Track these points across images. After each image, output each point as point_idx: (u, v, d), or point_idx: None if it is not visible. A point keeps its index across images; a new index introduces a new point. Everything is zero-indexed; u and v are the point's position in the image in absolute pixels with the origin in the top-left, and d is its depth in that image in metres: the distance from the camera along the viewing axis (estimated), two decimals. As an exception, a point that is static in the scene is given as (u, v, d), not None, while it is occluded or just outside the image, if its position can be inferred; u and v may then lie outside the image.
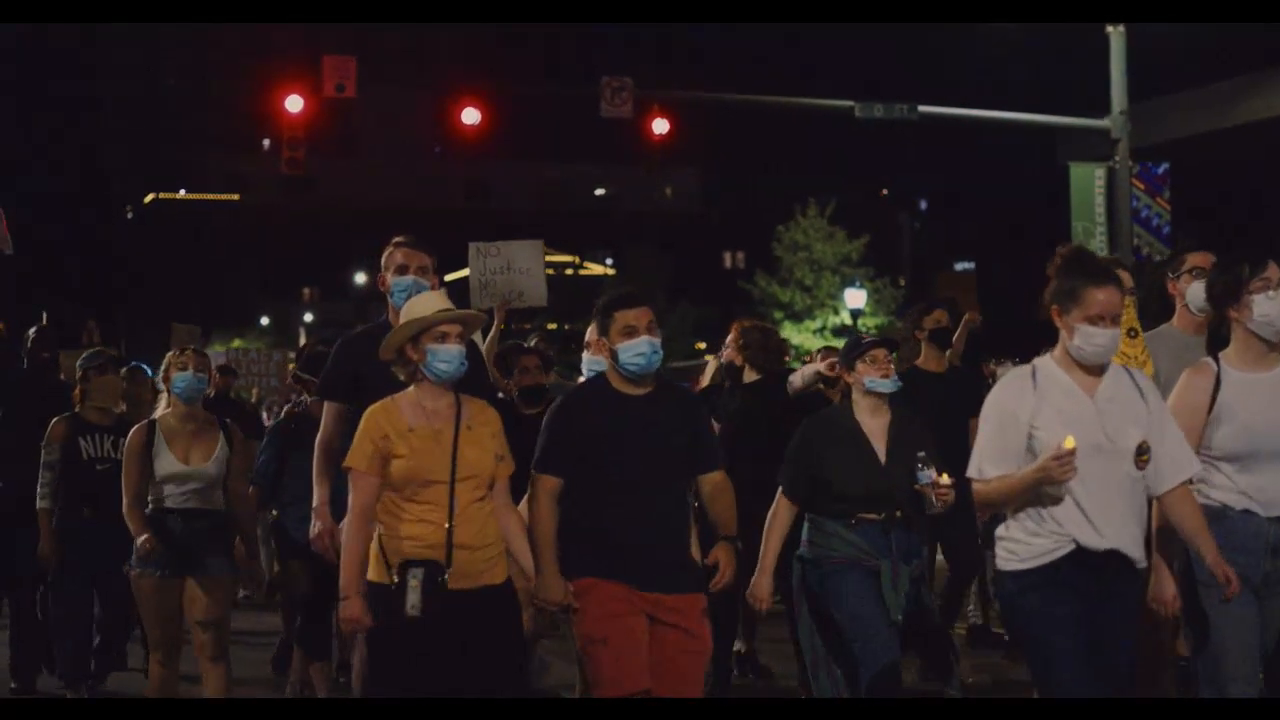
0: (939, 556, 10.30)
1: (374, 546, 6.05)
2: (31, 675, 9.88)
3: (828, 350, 10.63)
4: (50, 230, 49.96)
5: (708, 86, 46.84)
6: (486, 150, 25.88)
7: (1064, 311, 5.71)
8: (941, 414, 8.60)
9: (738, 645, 10.03)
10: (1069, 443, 5.42)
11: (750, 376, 9.46)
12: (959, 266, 72.01)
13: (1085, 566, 5.60)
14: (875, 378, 7.38)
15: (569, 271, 66.38)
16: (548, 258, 11.25)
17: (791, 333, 45.38)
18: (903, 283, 51.29)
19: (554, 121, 56.53)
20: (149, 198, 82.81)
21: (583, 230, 68.34)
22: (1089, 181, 24.81)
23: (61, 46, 72.91)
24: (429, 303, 6.26)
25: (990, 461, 5.71)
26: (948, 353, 10.24)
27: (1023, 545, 5.69)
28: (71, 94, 77.11)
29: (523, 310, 10.10)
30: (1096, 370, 5.71)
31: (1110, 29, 23.73)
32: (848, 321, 44.62)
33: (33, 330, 10.65)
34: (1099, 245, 24.76)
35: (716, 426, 8.14)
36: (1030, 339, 11.46)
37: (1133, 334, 6.83)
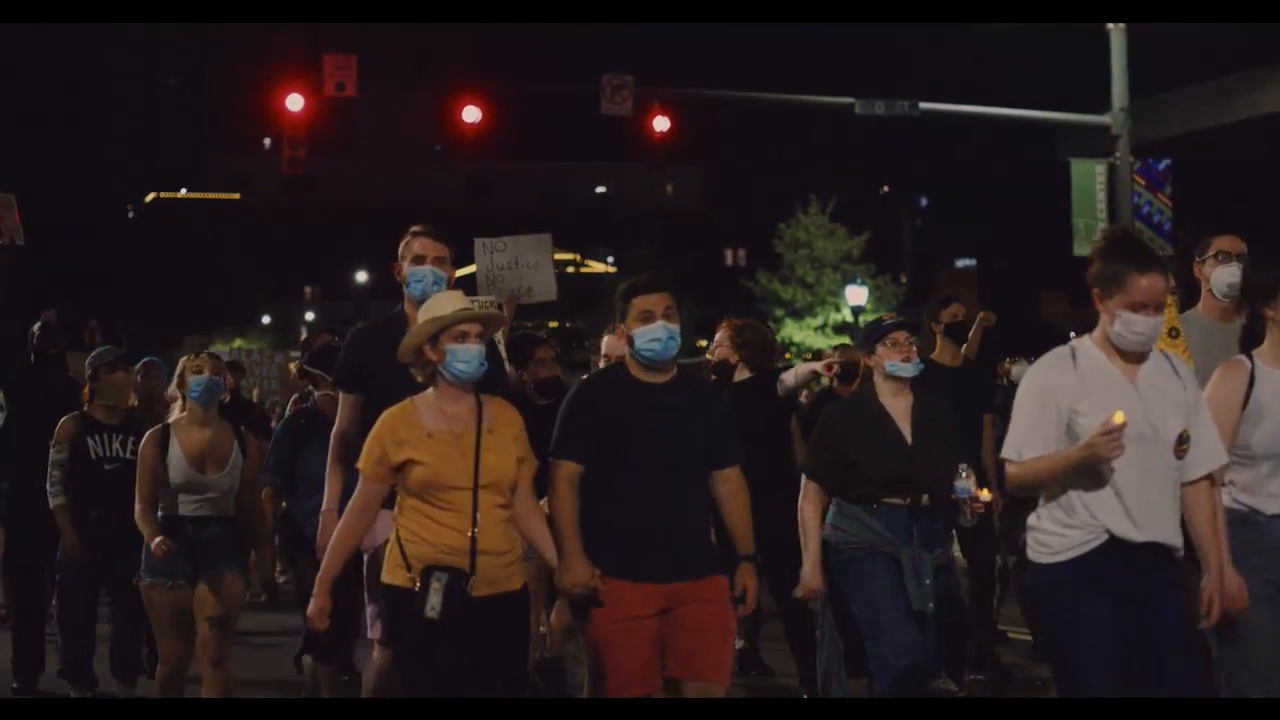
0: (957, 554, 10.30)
1: (393, 549, 5.92)
2: (33, 675, 9.87)
3: (844, 349, 10.64)
4: (51, 230, 49.94)
5: (708, 84, 46.81)
6: (487, 149, 25.87)
7: (1105, 296, 5.49)
8: (955, 409, 8.55)
9: (739, 642, 10.02)
10: (1118, 417, 5.23)
11: (741, 375, 9.44)
12: (960, 263, 72.11)
13: (1121, 559, 5.41)
14: (896, 361, 7.26)
15: (570, 270, 66.27)
16: (548, 256, 11.18)
17: (793, 330, 45.41)
18: (904, 280, 51.25)
19: (555, 120, 56.57)
20: (150, 197, 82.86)
21: (583, 228, 68.25)
22: (1090, 178, 24.78)
23: (63, 46, 72.90)
24: (448, 301, 6.09)
25: (1028, 442, 5.50)
26: (962, 348, 10.18)
27: (1055, 537, 5.51)
28: (73, 94, 77.11)
29: (525, 307, 10.04)
30: (1136, 356, 5.51)
31: (1110, 25, 23.72)
32: (849, 319, 44.63)
33: (37, 326, 10.59)
34: (1099, 242, 24.75)
35: None
36: (1030, 336, 11.48)
37: (1174, 334, 6.69)
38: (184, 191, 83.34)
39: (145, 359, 10.60)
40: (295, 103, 23.23)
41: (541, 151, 76.31)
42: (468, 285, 8.48)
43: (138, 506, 7.97)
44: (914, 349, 7.33)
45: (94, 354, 9.47)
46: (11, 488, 10.14)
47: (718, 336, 9.69)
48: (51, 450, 9.13)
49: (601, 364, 7.37)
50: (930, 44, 60.08)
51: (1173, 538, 5.50)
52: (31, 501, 9.53)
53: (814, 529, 7.29)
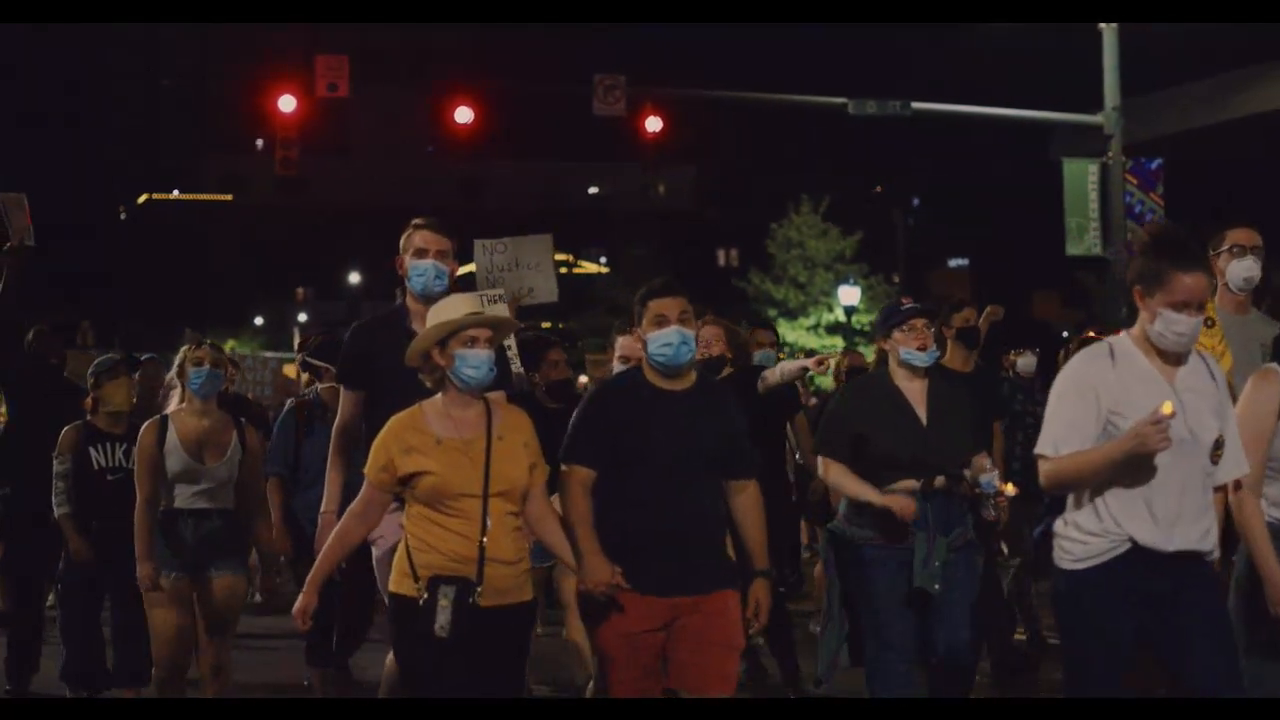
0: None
1: (400, 557, 5.82)
2: (27, 678, 9.85)
3: (851, 353, 10.57)
4: (43, 230, 49.77)
5: (701, 84, 46.82)
6: (480, 149, 25.90)
7: (1146, 294, 5.37)
8: (972, 410, 8.43)
9: (759, 640, 9.98)
10: (1167, 408, 5.12)
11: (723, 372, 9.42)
12: (952, 263, 72.12)
13: (1146, 566, 5.32)
14: (912, 349, 7.17)
15: (563, 270, 66.29)
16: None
17: (785, 330, 45.37)
18: (896, 279, 51.23)
19: (547, 120, 56.49)
20: (143, 198, 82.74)
21: (576, 228, 68.16)
22: (1082, 177, 24.80)
23: (56, 47, 72.82)
24: (458, 305, 5.92)
25: (1066, 437, 5.39)
26: (973, 352, 10.06)
27: (1077, 544, 5.44)
28: (65, 94, 77.02)
29: (522, 308, 10.01)
30: (1175, 357, 5.41)
31: (1103, 25, 23.75)
32: (841, 319, 44.66)
33: (33, 333, 10.53)
34: (1092, 241, 24.79)
35: None
36: (1023, 335, 11.47)
37: (1209, 324, 6.56)
38: (176, 192, 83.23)
39: (147, 355, 10.53)
40: (288, 104, 23.26)
41: (534, 152, 76.20)
42: (467, 285, 8.47)
43: (138, 504, 7.88)
44: (931, 336, 7.22)
45: (95, 363, 9.41)
46: (11, 493, 10.10)
47: (706, 334, 9.66)
48: (55, 461, 9.04)
49: (616, 363, 7.23)
50: (922, 44, 60.10)
51: (1201, 543, 5.40)
52: (31, 508, 9.50)
53: (850, 478, 7.10)
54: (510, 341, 8.75)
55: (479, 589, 5.66)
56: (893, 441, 7.08)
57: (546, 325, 48.72)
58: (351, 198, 76.45)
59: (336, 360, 7.59)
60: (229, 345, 50.57)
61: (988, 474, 6.97)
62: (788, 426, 10.27)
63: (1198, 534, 5.38)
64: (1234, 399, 5.78)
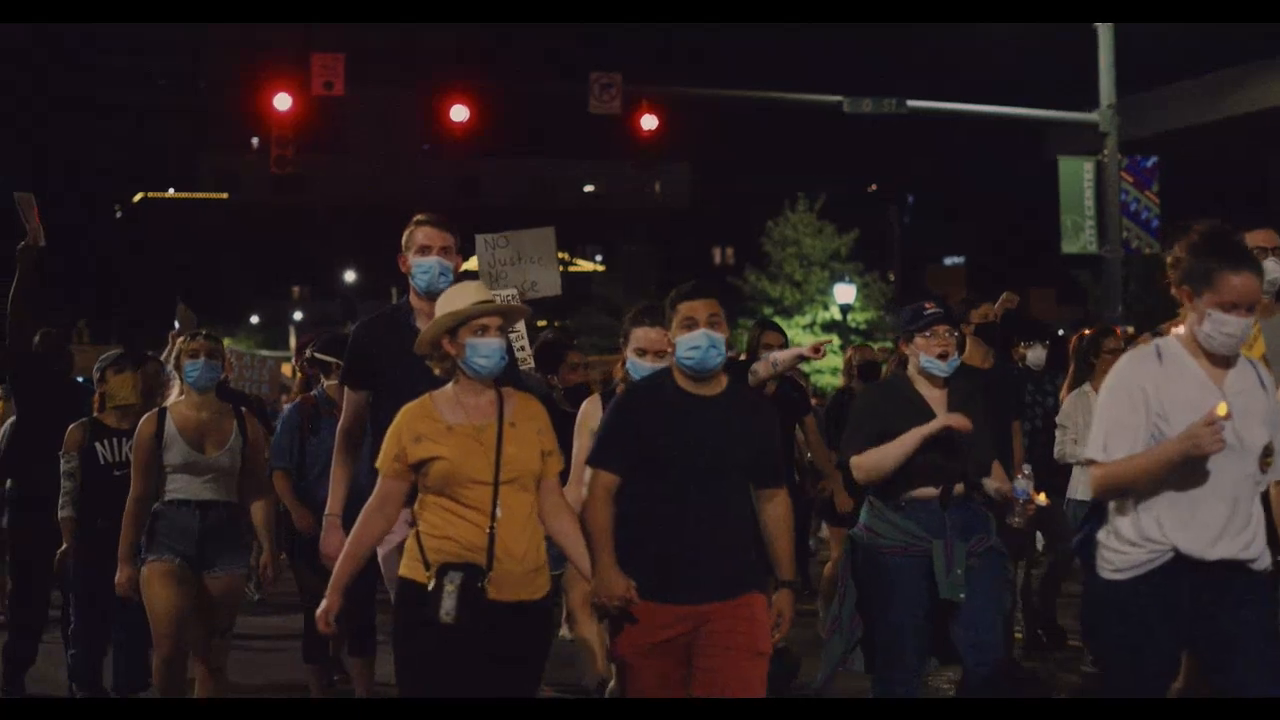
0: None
1: (411, 543, 5.72)
2: (22, 679, 9.84)
3: (864, 349, 10.46)
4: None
5: (696, 82, 46.86)
6: (475, 147, 25.84)
7: (1195, 294, 5.21)
8: (989, 411, 8.33)
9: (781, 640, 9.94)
10: (1221, 409, 4.98)
11: None
12: (948, 261, 72.08)
13: (1188, 576, 5.20)
14: (933, 357, 7.00)
15: (559, 268, 66.29)
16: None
17: (782, 327, 45.38)
18: (892, 277, 51.25)
19: (543, 118, 56.54)
20: (138, 197, 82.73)
21: (572, 227, 68.11)
22: (1078, 175, 24.82)
23: (50, 46, 72.78)
24: (467, 294, 5.83)
25: (1115, 441, 5.23)
26: (991, 348, 9.95)
27: (1118, 555, 5.30)
28: (60, 93, 76.98)
29: (524, 303, 9.94)
30: (1224, 360, 5.26)
31: (1098, 23, 23.77)
32: (837, 317, 44.64)
33: (39, 334, 10.46)
34: (1088, 239, 24.82)
35: None
36: (1030, 330, 11.42)
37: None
38: (172, 191, 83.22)
39: (152, 353, 10.47)
40: (283, 102, 23.21)
41: (530, 150, 76.26)
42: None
43: (129, 500, 7.81)
44: (954, 343, 7.06)
45: (101, 357, 9.35)
46: (17, 492, 10.06)
47: None
48: (62, 460, 8.98)
49: (630, 354, 6.98)
50: (918, 42, 60.14)
51: (1245, 552, 5.27)
52: (37, 508, 9.45)
53: (883, 449, 6.92)
54: (524, 342, 8.69)
55: (488, 576, 5.56)
56: (917, 448, 6.90)
57: (542, 324, 48.70)
58: (347, 196, 76.47)
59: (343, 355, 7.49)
60: (225, 343, 50.62)
61: (1023, 481, 6.88)
62: (796, 428, 10.21)
63: (1242, 543, 5.25)
64: None
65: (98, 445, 8.93)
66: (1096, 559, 5.40)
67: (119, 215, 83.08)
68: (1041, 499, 6.88)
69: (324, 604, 5.80)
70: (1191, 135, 37.35)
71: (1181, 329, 5.38)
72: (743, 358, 8.92)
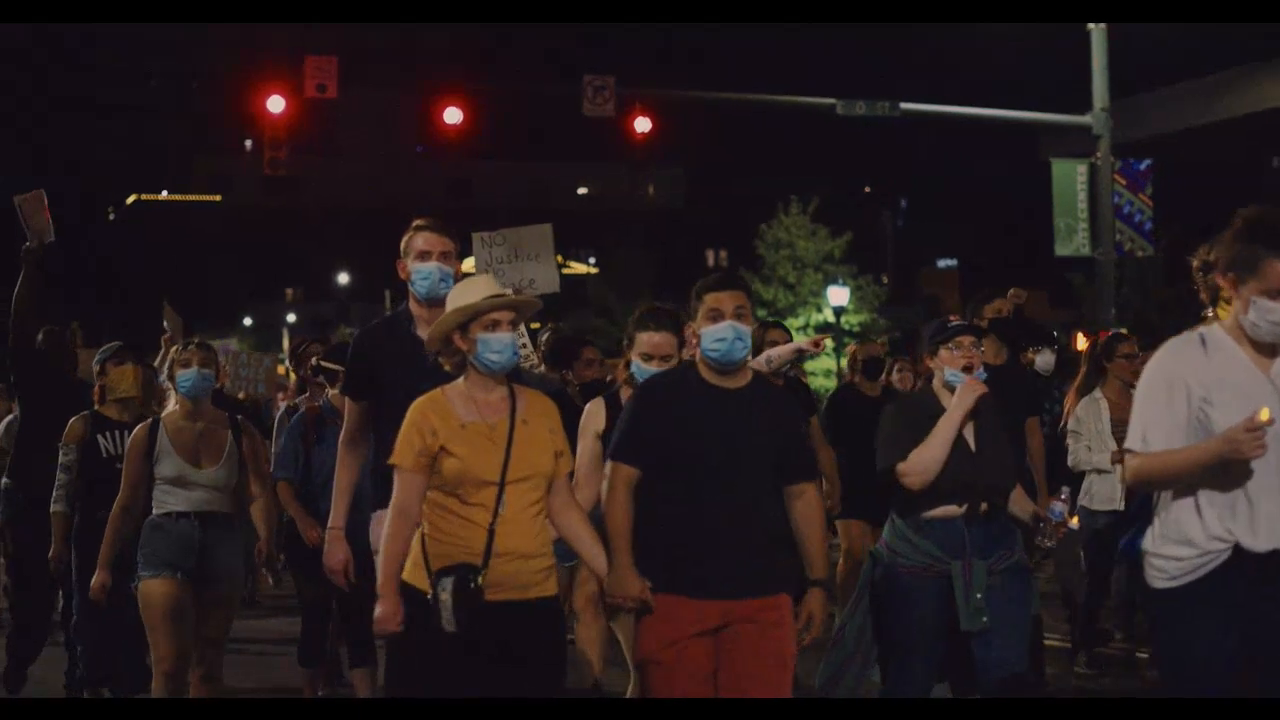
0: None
1: (415, 547, 5.61)
2: (20, 680, 9.82)
3: (868, 344, 10.34)
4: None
5: (690, 85, 46.87)
6: (469, 150, 25.83)
7: (1239, 282, 5.05)
8: (999, 409, 8.23)
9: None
10: (1264, 414, 4.84)
11: None
12: (941, 263, 72.25)
13: (1241, 573, 5.04)
14: (958, 370, 6.90)
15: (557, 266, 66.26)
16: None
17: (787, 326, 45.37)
18: (885, 280, 51.33)
19: (536, 120, 56.56)
20: (131, 199, 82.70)
21: (565, 229, 68.09)
22: (1071, 178, 24.84)
23: (43, 47, 72.71)
24: (478, 288, 5.73)
25: (1156, 432, 5.09)
26: (1004, 345, 9.73)
27: (1171, 562, 5.13)
28: (53, 95, 76.90)
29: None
30: (1270, 349, 5.10)
31: (1091, 25, 23.80)
32: (830, 319, 44.65)
33: (42, 334, 10.42)
34: (1081, 242, 24.83)
35: None
36: (1033, 334, 11.40)
37: None
38: (165, 193, 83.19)
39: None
40: (276, 104, 23.20)
41: (523, 152, 76.26)
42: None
43: (114, 506, 7.76)
44: (978, 356, 6.97)
45: (100, 350, 9.33)
46: (20, 490, 10.03)
47: (688, 333, 9.50)
48: (60, 452, 8.90)
49: (635, 359, 6.82)
50: (911, 44, 60.20)
51: None
52: (39, 506, 9.42)
53: (923, 445, 6.80)
54: (524, 340, 8.64)
55: (482, 574, 5.44)
56: (944, 465, 6.79)
57: (535, 326, 48.67)
58: (340, 198, 76.47)
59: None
60: (228, 343, 50.59)
61: (1060, 504, 6.84)
62: None
63: None
64: None
65: (99, 438, 8.82)
66: (1146, 570, 5.26)
67: (112, 217, 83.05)
68: (1074, 522, 6.80)
69: (381, 609, 5.60)
70: (1185, 138, 37.38)
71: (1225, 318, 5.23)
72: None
